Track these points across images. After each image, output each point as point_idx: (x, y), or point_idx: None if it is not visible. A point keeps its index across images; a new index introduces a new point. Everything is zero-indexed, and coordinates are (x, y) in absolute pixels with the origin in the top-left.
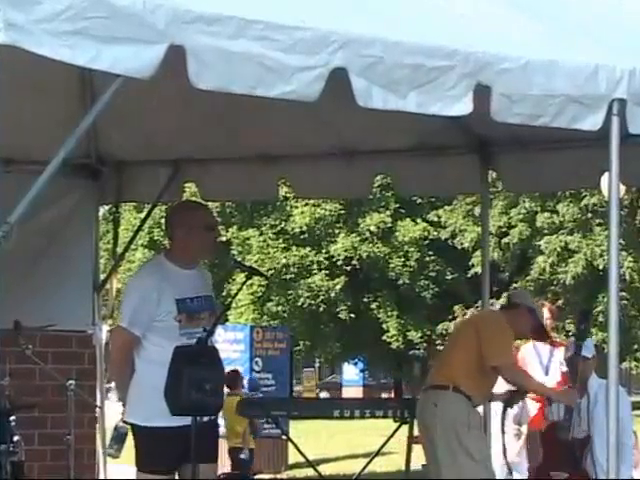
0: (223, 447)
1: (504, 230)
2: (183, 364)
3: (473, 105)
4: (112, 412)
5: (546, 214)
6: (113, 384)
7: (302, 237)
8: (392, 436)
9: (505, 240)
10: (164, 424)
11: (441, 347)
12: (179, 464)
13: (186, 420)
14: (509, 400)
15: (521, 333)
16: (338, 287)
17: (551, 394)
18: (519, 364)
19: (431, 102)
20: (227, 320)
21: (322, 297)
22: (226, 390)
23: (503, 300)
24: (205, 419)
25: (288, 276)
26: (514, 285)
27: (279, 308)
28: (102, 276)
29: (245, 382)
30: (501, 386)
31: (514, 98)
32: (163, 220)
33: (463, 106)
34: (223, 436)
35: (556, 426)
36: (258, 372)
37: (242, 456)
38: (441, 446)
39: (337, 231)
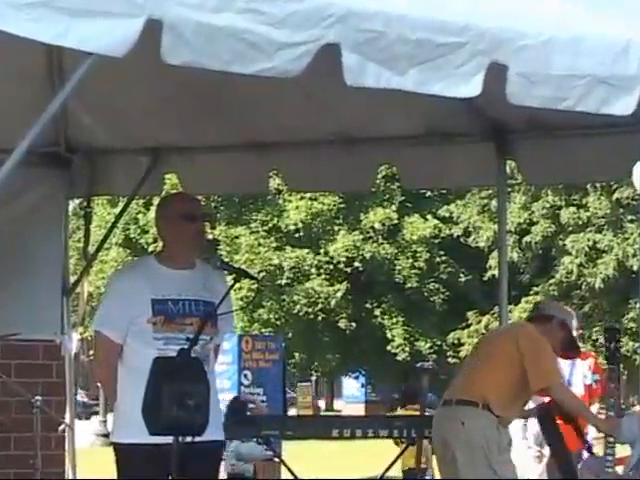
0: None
1: (524, 227)
2: (162, 378)
3: (484, 86)
4: (83, 431)
5: (572, 209)
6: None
7: (297, 235)
8: (398, 458)
9: (526, 238)
10: (143, 440)
11: (453, 359)
12: None
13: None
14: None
15: (553, 348)
16: (339, 294)
17: (597, 422)
18: None
19: (433, 81)
20: None
21: (321, 305)
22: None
23: (523, 306)
24: (189, 439)
25: (283, 281)
26: (535, 289)
27: (271, 315)
28: (72, 278)
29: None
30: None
31: (533, 79)
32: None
33: (471, 87)
34: None
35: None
36: (247, 386)
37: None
38: (465, 468)
39: (336, 229)
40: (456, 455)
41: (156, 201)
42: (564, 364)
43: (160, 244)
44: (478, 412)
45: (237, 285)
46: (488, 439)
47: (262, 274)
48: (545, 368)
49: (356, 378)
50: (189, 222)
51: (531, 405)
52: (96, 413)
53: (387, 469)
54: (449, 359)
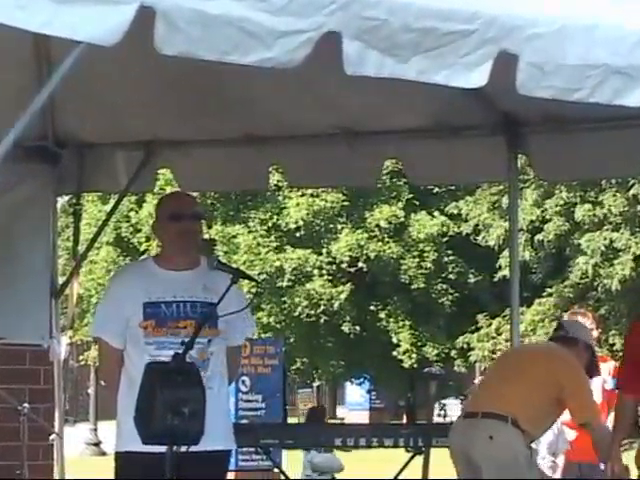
0: None
1: (537, 225)
2: (156, 384)
3: (494, 77)
4: (71, 439)
5: (587, 206)
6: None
7: (298, 234)
8: (404, 469)
9: (538, 237)
10: (140, 449)
11: (462, 366)
12: None
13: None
14: None
15: None
16: (343, 296)
17: (615, 463)
18: None
19: (436, 69)
20: None
21: (323, 307)
22: None
23: (536, 308)
24: (184, 448)
25: (284, 283)
26: (549, 290)
27: (271, 319)
28: (61, 279)
29: None
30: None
31: (545, 68)
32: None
33: (477, 76)
34: None
35: None
36: (245, 393)
37: None
38: None
39: (340, 227)
40: (482, 469)
41: (149, 198)
42: None
43: (153, 243)
44: (507, 427)
45: (235, 286)
46: (517, 454)
47: (263, 276)
48: (587, 403)
49: (360, 384)
50: (176, 221)
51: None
52: (65, 421)
53: (395, 477)
54: (456, 367)
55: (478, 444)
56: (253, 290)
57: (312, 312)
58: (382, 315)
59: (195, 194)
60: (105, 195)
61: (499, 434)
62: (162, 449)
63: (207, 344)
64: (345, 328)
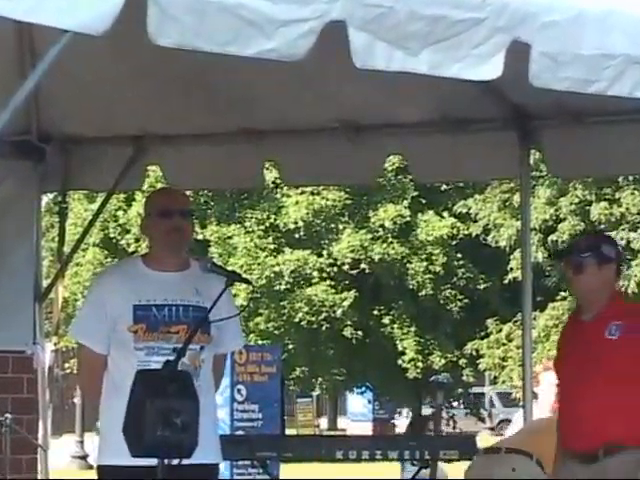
0: None
1: (550, 225)
2: (146, 393)
3: (506, 67)
4: (56, 451)
5: (603, 205)
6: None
7: (297, 235)
8: None
9: (552, 237)
10: (127, 462)
11: (470, 376)
12: None
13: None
14: None
15: None
16: (346, 303)
17: None
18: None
19: (449, 62)
20: None
21: (325, 314)
22: None
23: (549, 312)
24: (175, 461)
25: (282, 286)
26: (563, 294)
27: (270, 325)
28: (45, 282)
29: None
30: None
31: (560, 59)
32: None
33: (491, 68)
34: None
35: None
36: (241, 402)
37: None
38: None
39: (342, 227)
40: None
41: (138, 196)
42: None
43: (143, 245)
44: (532, 464)
45: (233, 292)
46: None
47: (261, 281)
48: None
49: (362, 393)
50: (165, 218)
51: None
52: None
53: None
54: (465, 377)
55: (499, 475)
56: (250, 295)
57: (313, 319)
58: (386, 320)
59: (188, 192)
60: (92, 193)
61: (523, 468)
62: (151, 462)
63: (199, 351)
64: (347, 333)
